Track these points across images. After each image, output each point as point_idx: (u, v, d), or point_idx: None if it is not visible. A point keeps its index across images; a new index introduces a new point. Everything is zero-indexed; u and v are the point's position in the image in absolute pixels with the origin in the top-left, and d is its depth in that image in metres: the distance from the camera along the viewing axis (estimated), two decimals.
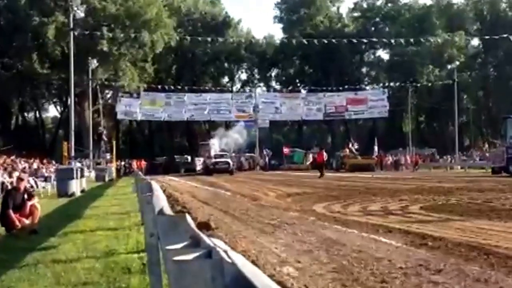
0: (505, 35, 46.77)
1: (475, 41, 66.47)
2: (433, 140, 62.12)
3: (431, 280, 4.86)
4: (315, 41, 50.68)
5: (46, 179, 22.76)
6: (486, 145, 54.97)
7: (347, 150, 45.98)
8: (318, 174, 30.89)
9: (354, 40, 51.73)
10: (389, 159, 51.26)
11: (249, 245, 7.01)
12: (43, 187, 20.90)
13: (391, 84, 62.97)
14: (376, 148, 49.77)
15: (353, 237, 7.54)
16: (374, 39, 57.45)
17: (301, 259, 6.04)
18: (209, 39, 54.43)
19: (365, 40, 55.78)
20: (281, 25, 68.28)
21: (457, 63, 62.22)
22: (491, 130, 65.89)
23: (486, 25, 63.79)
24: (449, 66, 62.20)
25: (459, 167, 46.82)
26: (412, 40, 51.22)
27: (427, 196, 14.25)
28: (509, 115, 31.24)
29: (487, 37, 51.56)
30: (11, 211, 9.23)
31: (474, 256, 5.84)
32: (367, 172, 36.08)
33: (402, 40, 51.07)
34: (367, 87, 65.78)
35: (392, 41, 52.79)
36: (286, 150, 53.78)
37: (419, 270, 5.24)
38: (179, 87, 57.49)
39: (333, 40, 51.09)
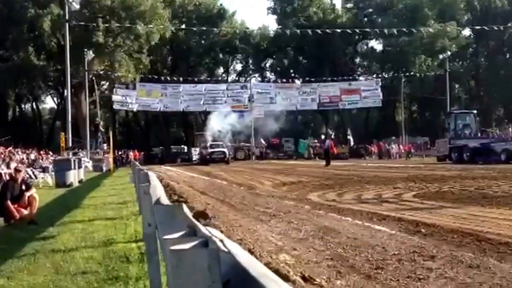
0: (495, 26, 46.75)
1: (467, 31, 66.55)
2: (426, 128, 62.21)
3: (425, 266, 4.88)
4: (309, 31, 50.56)
5: (44, 170, 22.70)
6: (478, 134, 55.11)
7: (318, 142, 50.31)
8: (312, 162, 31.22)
9: (349, 30, 51.61)
10: (380, 147, 51.62)
11: (245, 233, 7.01)
12: (42, 178, 20.85)
13: (384, 74, 62.97)
14: (350, 138, 51.53)
15: (348, 225, 7.56)
16: (367, 29, 57.34)
17: (297, 247, 6.05)
18: (204, 28, 54.21)
19: (358, 30, 55.69)
20: (275, 17, 68.03)
21: (449, 53, 62.24)
22: (483, 119, 66.10)
23: (477, 16, 63.79)
24: (441, 56, 62.18)
25: None
26: (404, 30, 51.16)
27: (420, 184, 14.30)
28: (452, 110, 35.85)
29: (478, 27, 51.53)
30: (9, 202, 9.20)
31: (466, 242, 5.87)
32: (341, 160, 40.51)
33: (395, 30, 50.99)
34: (361, 77, 65.72)
35: (385, 31, 52.69)
36: (275, 141, 54.68)
37: (413, 257, 5.26)
38: (175, 78, 57.35)
39: (327, 30, 50.97)
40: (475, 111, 35.92)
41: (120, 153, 48.88)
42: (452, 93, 58.12)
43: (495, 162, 26.25)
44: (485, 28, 47.59)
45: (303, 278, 4.45)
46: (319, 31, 49.34)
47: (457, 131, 32.41)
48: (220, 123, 48.56)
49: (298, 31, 53.38)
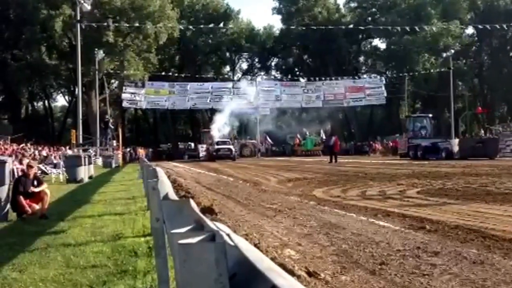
0: (498, 25, 46.43)
1: (470, 30, 66.19)
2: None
3: (429, 262, 4.83)
4: (314, 28, 50.56)
5: (55, 166, 22.77)
6: (482, 131, 54.99)
7: (297, 140, 51.96)
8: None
9: (351, 26, 51.48)
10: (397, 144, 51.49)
11: (251, 228, 7.00)
12: (55, 174, 20.88)
13: (388, 72, 62.75)
14: (323, 135, 52.81)
15: (353, 221, 7.51)
16: (370, 26, 57.15)
17: (302, 242, 6.03)
18: (211, 26, 54.30)
19: (362, 28, 55.54)
20: (280, 16, 67.96)
21: (452, 51, 61.87)
22: (487, 116, 65.76)
23: (480, 14, 63.42)
24: (444, 54, 61.82)
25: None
26: (408, 28, 50.97)
27: (424, 181, 14.19)
28: (411, 114, 40.55)
29: (481, 26, 51.21)
30: (21, 197, 9.23)
31: (470, 238, 5.81)
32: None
33: (398, 29, 50.79)
34: (364, 76, 65.55)
35: (389, 29, 52.47)
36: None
37: (417, 253, 5.22)
38: (182, 75, 57.52)
39: (331, 26, 50.90)
40: (430, 115, 39.68)
41: (129, 149, 49.08)
42: (456, 91, 57.82)
43: (443, 159, 29.45)
44: (488, 27, 47.31)
45: (308, 273, 4.42)
46: (323, 27, 49.29)
47: (415, 132, 35.80)
48: (226, 120, 48.63)
49: (303, 27, 53.35)
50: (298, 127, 54.91)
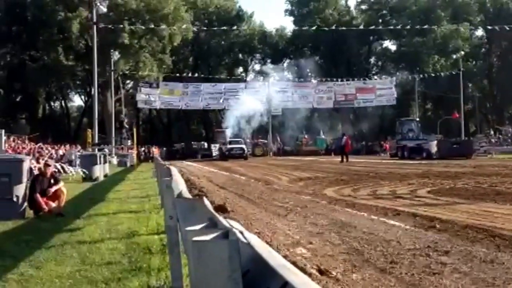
0: (507, 26, 45.92)
1: (480, 32, 65.57)
2: (440, 127, 61.60)
3: (439, 261, 4.80)
4: (325, 29, 50.47)
5: (70, 164, 22.93)
6: (492, 132, 54.48)
7: (304, 141, 53.18)
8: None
9: (362, 28, 51.26)
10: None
11: (263, 227, 6.99)
12: (75, 172, 20.96)
13: (398, 73, 62.38)
14: (322, 135, 54.04)
15: (363, 220, 7.48)
16: (381, 28, 56.86)
17: (313, 240, 6.01)
18: (224, 27, 54.41)
19: (372, 29, 55.32)
20: (292, 18, 67.85)
21: (462, 53, 61.37)
22: (497, 117, 65.07)
23: (489, 16, 62.78)
24: (454, 56, 61.37)
25: None
26: (418, 28, 50.56)
27: (435, 181, 14.08)
28: (400, 118, 42.62)
29: (490, 27, 50.71)
30: (38, 195, 9.30)
31: (480, 238, 5.76)
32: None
33: (409, 27, 50.44)
34: (375, 77, 65.20)
35: (399, 29, 52.18)
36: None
37: (427, 252, 5.18)
38: (196, 76, 57.72)
39: (342, 28, 50.76)
40: (417, 119, 43.07)
41: (143, 149, 49.27)
42: (466, 92, 57.32)
43: (424, 158, 31.23)
44: (497, 28, 46.85)
45: (319, 271, 4.41)
46: (334, 27, 49.19)
47: (403, 134, 37.74)
48: (239, 120, 48.66)
49: (315, 27, 53.28)
50: (310, 128, 54.82)
